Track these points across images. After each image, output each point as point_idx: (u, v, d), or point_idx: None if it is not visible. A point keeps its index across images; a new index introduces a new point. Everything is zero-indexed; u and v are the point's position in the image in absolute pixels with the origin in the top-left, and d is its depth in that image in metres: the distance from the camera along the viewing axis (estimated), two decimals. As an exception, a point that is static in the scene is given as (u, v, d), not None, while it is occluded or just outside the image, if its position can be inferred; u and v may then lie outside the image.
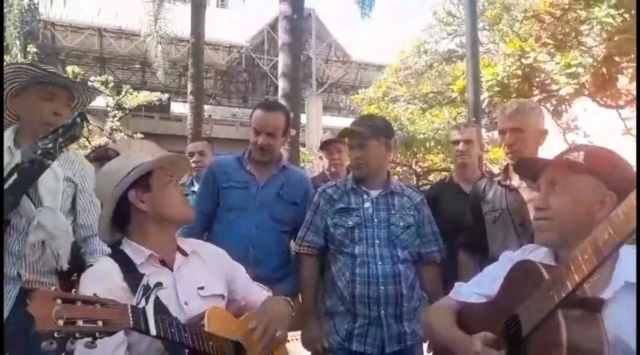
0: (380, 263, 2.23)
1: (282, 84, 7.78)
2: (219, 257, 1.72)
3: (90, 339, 1.04)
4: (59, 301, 1.03)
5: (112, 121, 14.62)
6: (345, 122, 25.99)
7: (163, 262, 1.54)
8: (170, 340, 1.26)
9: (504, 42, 8.56)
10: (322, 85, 26.15)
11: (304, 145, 14.14)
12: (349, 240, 2.29)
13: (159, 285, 1.27)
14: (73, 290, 2.05)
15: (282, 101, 7.46)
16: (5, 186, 1.82)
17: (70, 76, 13.63)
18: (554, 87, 6.96)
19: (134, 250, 1.52)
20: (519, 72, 6.80)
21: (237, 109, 29.12)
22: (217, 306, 1.53)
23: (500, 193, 2.42)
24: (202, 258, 1.64)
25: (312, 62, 23.54)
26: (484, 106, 6.58)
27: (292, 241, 2.75)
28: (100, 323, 1.07)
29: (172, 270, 1.54)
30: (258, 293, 1.75)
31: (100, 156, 4.06)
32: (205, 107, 13.89)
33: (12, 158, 1.96)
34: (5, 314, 1.93)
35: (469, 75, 4.32)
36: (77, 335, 1.02)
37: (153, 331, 1.20)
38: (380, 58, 22.86)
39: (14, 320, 1.91)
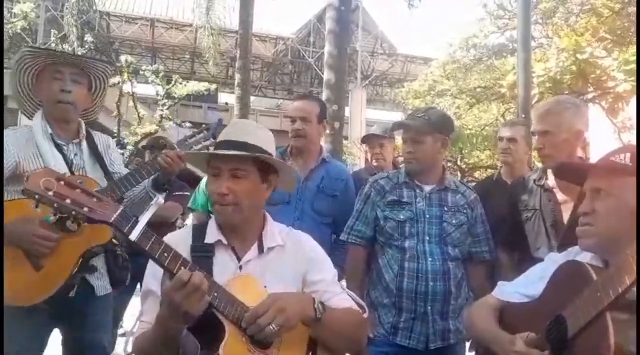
0: (430, 259, 2.21)
1: (327, 75, 7.80)
2: (305, 258, 1.58)
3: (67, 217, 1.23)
4: (61, 182, 1.22)
5: (162, 109, 15.02)
6: (389, 115, 25.81)
7: (234, 250, 1.52)
8: (150, 256, 1.28)
9: (558, 36, 8.26)
10: (367, 77, 25.95)
11: (346, 137, 14.14)
12: (399, 234, 2.27)
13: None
14: None
15: (326, 93, 7.48)
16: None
17: (123, 65, 14.08)
18: (610, 83, 6.68)
19: (211, 228, 1.54)
20: (574, 68, 6.57)
21: (281, 100, 29.32)
22: (250, 275, 1.47)
23: (535, 192, 2.34)
24: (284, 254, 1.56)
25: (358, 55, 23.39)
26: (533, 102, 6.40)
27: (334, 234, 2.78)
28: (85, 209, 1.23)
29: (239, 259, 1.51)
30: (339, 301, 1.56)
31: (153, 144, 4.21)
32: (251, 98, 14.10)
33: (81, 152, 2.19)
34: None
35: (519, 69, 4.20)
36: (55, 205, 1.21)
37: (133, 236, 1.25)
38: (427, 51, 22.48)
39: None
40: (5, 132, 2.14)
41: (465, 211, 2.33)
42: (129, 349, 1.44)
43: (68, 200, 1.22)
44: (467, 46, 12.51)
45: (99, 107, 2.38)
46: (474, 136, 11.51)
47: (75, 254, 1.99)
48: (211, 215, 3.49)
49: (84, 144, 2.23)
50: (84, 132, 2.25)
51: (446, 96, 12.37)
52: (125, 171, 2.29)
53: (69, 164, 2.14)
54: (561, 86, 6.68)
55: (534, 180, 2.37)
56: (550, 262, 1.43)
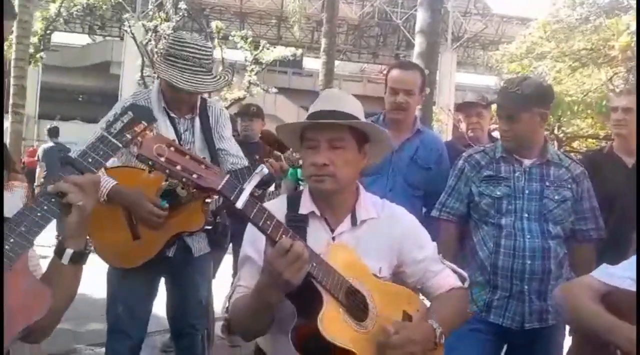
0: (528, 236, 2.10)
1: (419, 39, 7.49)
2: (400, 233, 1.55)
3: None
4: (171, 148, 1.24)
5: (250, 75, 15.35)
6: (480, 79, 24.59)
7: (327, 222, 1.51)
8: (254, 223, 1.28)
9: (685, -10, 7.29)
10: (458, 39, 24.75)
11: (434, 103, 13.68)
12: (495, 211, 2.17)
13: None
14: None
15: (417, 58, 7.24)
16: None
17: (214, 31, 14.48)
18: None
19: (305, 199, 1.53)
20: (702, 27, 5.79)
21: (365, 64, 28.87)
22: (346, 245, 1.48)
23: None
24: (378, 227, 1.53)
25: (449, 15, 22.30)
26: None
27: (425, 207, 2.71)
28: (194, 176, 1.23)
29: (333, 231, 1.51)
30: (442, 279, 1.55)
31: (245, 111, 4.31)
32: (335, 62, 14.01)
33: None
34: None
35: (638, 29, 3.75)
36: (167, 171, 1.23)
37: (239, 204, 1.25)
38: (525, 11, 20.95)
39: None
40: (126, 97, 2.35)
41: (570, 186, 2.17)
42: (225, 309, 1.49)
43: (179, 167, 1.23)
44: (574, 4, 11.42)
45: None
46: (575, 103, 10.64)
47: (168, 234, 2.15)
48: (300, 184, 3.57)
49: (197, 120, 2.32)
50: (198, 110, 2.33)
51: (545, 59, 11.48)
52: (232, 146, 2.39)
53: (179, 137, 2.24)
54: (685, 48, 5.94)
55: None
56: None
